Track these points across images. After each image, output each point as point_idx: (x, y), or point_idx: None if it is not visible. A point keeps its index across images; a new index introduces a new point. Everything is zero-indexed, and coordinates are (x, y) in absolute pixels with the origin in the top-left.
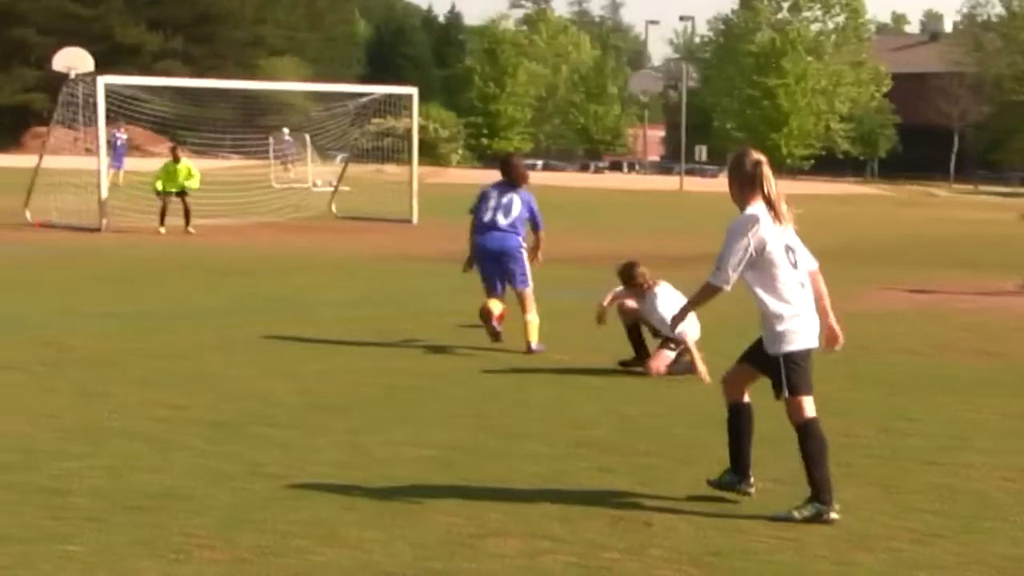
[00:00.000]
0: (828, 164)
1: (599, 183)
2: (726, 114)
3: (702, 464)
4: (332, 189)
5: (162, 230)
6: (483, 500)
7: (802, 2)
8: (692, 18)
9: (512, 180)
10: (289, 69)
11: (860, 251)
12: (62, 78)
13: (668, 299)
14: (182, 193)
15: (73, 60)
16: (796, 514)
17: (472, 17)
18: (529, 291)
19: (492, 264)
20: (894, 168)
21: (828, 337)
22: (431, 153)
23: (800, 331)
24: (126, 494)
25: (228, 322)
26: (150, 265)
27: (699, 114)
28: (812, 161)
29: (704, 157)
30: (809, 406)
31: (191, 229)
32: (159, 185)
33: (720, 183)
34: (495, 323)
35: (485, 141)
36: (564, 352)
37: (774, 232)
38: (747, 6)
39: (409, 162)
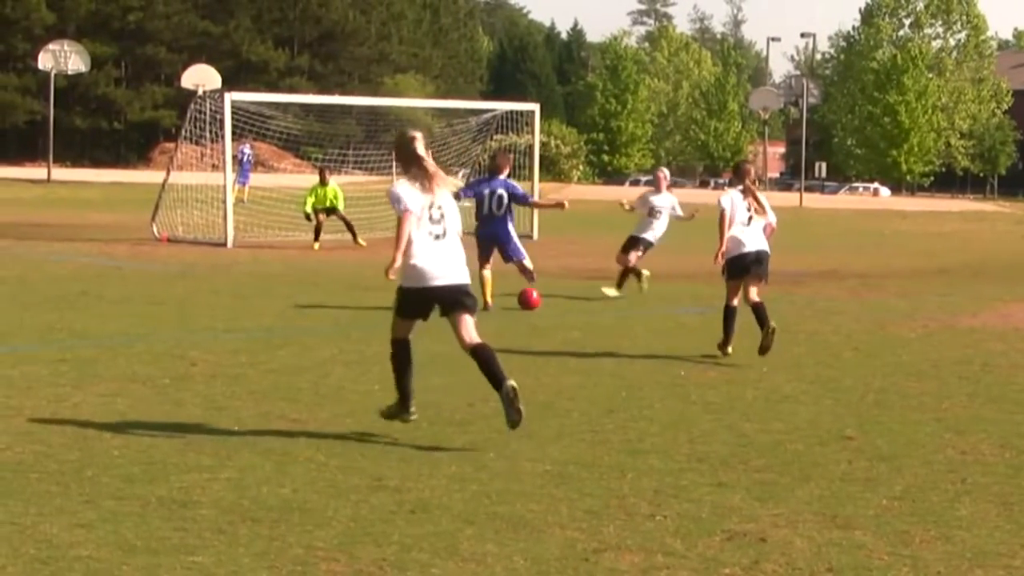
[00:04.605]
0: (947, 181)
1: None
2: (846, 131)
3: (820, 481)
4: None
5: (316, 246)
6: (601, 515)
7: (924, 19)
8: (813, 35)
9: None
10: (412, 86)
11: (981, 268)
12: (190, 95)
13: None
14: (332, 211)
15: (201, 77)
16: (383, 407)
17: (594, 34)
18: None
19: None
20: (1013, 185)
21: None
22: (552, 169)
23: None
24: (249, 506)
25: (352, 336)
26: (275, 280)
27: (819, 131)
28: (931, 178)
29: (824, 174)
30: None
31: (362, 242)
32: (308, 208)
33: (841, 200)
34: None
35: (606, 158)
36: (684, 367)
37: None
38: (869, 23)
39: (530, 178)
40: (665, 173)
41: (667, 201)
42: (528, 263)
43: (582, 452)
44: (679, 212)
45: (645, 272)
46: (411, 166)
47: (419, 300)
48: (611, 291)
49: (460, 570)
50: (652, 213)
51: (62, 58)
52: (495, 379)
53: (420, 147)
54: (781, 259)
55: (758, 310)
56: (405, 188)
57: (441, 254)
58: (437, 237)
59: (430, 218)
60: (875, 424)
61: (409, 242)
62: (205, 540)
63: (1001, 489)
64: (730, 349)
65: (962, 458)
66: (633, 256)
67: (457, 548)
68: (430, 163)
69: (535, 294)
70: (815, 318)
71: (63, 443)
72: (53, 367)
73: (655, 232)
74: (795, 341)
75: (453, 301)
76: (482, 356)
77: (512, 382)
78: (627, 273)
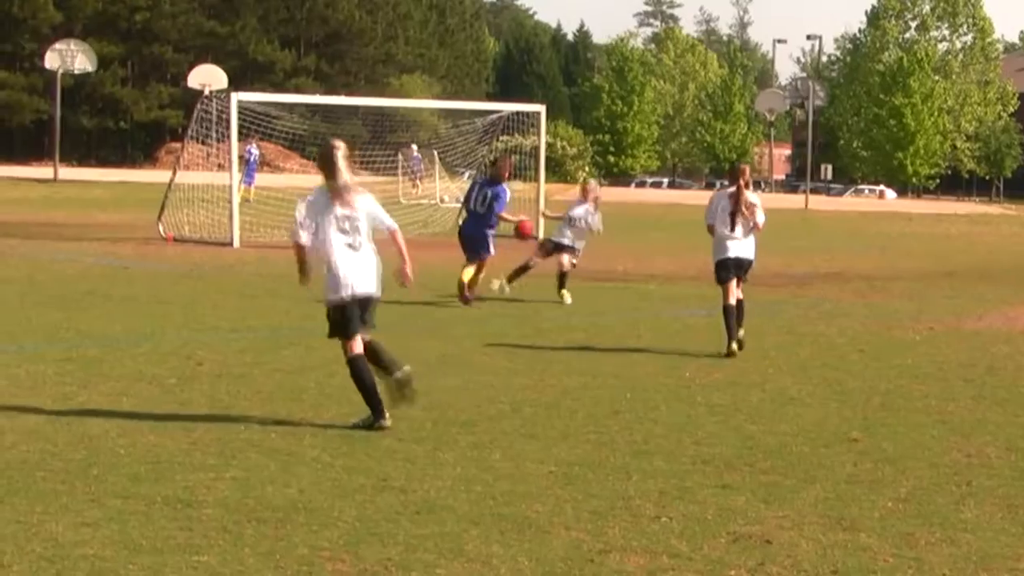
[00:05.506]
0: (953, 183)
1: None
2: (852, 133)
3: (825, 483)
4: (459, 205)
5: None
6: (606, 516)
7: (930, 21)
8: (819, 37)
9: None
10: (418, 86)
11: (987, 270)
12: (197, 95)
13: None
14: None
15: (208, 77)
16: (355, 420)
17: (600, 35)
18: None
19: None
20: (1019, 188)
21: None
22: (558, 170)
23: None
24: (254, 506)
25: None
26: (280, 280)
27: (825, 133)
28: (937, 180)
29: (829, 176)
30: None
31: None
32: None
33: (846, 202)
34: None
35: (612, 159)
36: (689, 369)
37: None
38: (875, 25)
39: (536, 179)
40: (592, 184)
41: (580, 212)
42: (483, 265)
43: (587, 453)
44: (590, 224)
45: (492, 283)
46: (329, 176)
47: (343, 310)
48: (567, 297)
49: (465, 571)
50: (569, 222)
51: (69, 57)
52: (386, 368)
53: (339, 157)
54: (787, 261)
55: (737, 307)
56: (310, 203)
57: (356, 263)
58: (352, 247)
59: (343, 229)
60: (880, 426)
61: (327, 254)
62: (210, 540)
63: (1006, 492)
64: (734, 346)
65: (967, 461)
66: (567, 259)
67: (462, 549)
68: (344, 178)
69: (530, 225)
70: (821, 320)
71: (69, 442)
72: (59, 366)
73: (570, 237)
74: (801, 343)
75: (359, 316)
76: (369, 351)
77: (405, 367)
78: (564, 276)
